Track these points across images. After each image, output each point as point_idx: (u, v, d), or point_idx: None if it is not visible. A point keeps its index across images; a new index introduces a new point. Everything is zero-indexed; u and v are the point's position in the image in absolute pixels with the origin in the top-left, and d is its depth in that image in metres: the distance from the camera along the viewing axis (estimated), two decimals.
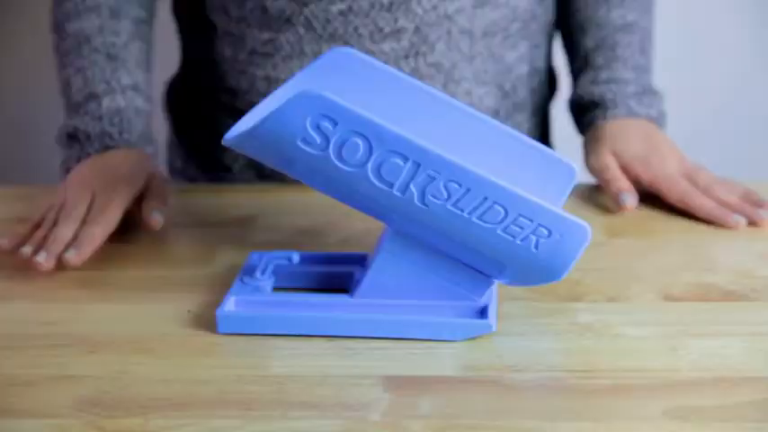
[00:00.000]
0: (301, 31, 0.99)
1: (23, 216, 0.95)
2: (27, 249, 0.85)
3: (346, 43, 0.99)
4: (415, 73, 1.00)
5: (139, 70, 1.00)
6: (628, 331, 0.74)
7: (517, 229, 0.69)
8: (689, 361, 0.70)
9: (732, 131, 1.58)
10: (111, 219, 0.87)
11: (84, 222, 0.87)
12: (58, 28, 1.01)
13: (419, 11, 0.98)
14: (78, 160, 0.94)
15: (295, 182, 1.03)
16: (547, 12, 1.09)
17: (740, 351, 0.71)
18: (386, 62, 0.99)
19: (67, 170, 0.95)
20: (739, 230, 0.91)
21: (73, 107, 0.97)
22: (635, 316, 0.76)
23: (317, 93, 0.67)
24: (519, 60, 1.06)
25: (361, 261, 0.79)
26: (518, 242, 0.69)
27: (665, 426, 0.63)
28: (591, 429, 0.63)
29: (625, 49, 1.04)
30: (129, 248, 0.89)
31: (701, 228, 0.92)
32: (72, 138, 0.96)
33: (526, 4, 1.04)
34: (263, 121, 0.68)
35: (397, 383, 0.68)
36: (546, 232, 0.69)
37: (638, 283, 0.81)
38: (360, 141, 0.67)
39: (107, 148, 0.94)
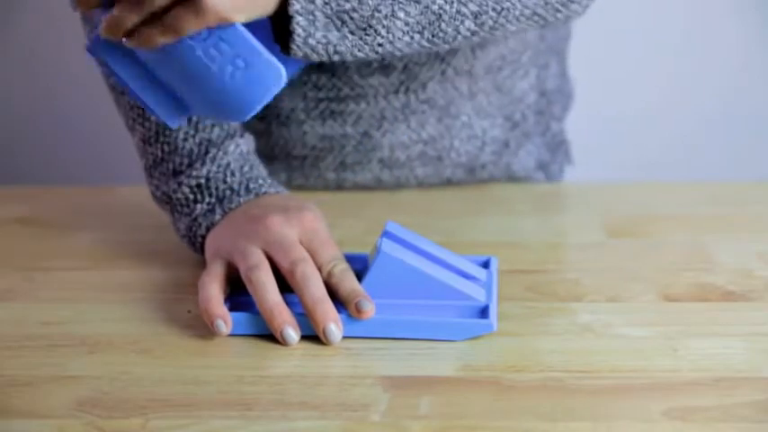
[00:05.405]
0: None
1: (24, 216, 0.95)
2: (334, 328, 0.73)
3: (333, 75, 0.96)
4: (405, 108, 0.97)
5: None
6: (627, 331, 0.74)
7: (216, 53, 0.70)
8: (689, 361, 0.70)
9: (733, 132, 1.58)
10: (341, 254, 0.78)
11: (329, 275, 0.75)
12: None
13: None
14: (224, 214, 0.82)
15: (295, 184, 1.03)
16: (555, 27, 1.02)
17: (740, 351, 0.71)
18: (375, 96, 0.96)
19: (207, 227, 0.82)
20: (739, 230, 0.91)
21: (187, 157, 0.84)
22: (635, 316, 0.76)
23: None
24: (530, 89, 1.02)
25: (361, 261, 0.79)
26: (214, 69, 0.71)
27: (665, 426, 0.63)
28: (591, 429, 0.63)
29: None
30: (129, 248, 0.89)
31: (701, 228, 0.92)
32: (201, 190, 0.83)
33: (534, 30, 0.98)
34: None
35: (397, 383, 0.68)
36: (242, 64, 0.70)
37: (638, 283, 0.81)
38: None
39: (257, 195, 0.83)
